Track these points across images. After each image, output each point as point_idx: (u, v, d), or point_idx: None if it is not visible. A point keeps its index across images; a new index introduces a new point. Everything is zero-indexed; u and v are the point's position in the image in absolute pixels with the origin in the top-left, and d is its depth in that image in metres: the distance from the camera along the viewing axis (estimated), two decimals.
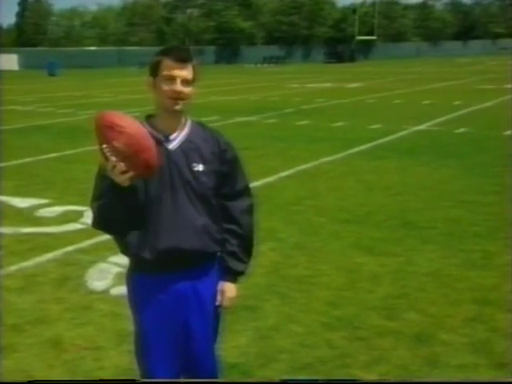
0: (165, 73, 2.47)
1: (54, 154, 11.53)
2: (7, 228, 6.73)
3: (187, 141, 2.59)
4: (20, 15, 79.50)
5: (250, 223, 2.77)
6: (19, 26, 79.38)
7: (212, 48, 72.02)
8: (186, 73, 2.49)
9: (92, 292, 5.02)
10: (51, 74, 44.68)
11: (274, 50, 72.32)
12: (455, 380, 1.69)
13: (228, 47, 72.83)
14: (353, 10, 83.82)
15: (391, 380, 1.78)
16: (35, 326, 4.42)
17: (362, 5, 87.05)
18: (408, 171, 9.66)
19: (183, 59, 2.48)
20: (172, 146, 2.56)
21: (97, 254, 5.84)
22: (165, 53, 2.51)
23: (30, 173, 9.86)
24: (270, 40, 78.17)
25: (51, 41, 74.74)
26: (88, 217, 7.02)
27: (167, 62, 2.47)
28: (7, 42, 72.53)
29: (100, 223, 2.54)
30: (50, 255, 5.88)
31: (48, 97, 25.45)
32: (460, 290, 5.01)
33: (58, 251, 5.99)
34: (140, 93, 22.28)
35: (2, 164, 10.50)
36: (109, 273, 5.40)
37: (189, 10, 75.81)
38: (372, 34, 77.00)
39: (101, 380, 1.78)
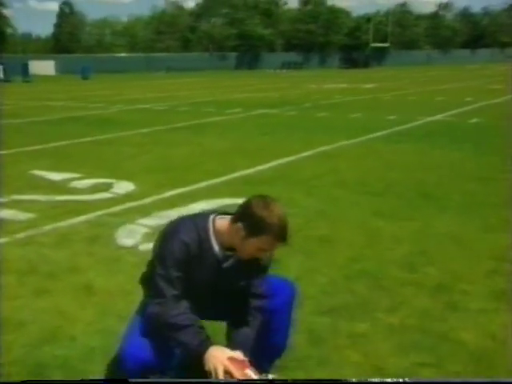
0: (260, 244, 2.39)
1: (85, 139, 11.51)
2: (42, 196, 6.68)
3: (240, 260, 2.53)
4: (57, 26, 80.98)
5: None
6: (56, 36, 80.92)
7: (234, 54, 72.11)
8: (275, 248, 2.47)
9: (121, 247, 4.92)
10: (84, 78, 44.97)
11: (292, 56, 72.25)
12: (455, 380, 1.56)
13: (249, 53, 72.79)
14: (367, 19, 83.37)
15: (391, 380, 1.64)
16: (68, 275, 4.34)
17: (376, 14, 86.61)
18: (424, 153, 9.44)
19: (283, 243, 2.41)
20: (226, 264, 2.53)
21: (126, 217, 5.75)
22: (276, 228, 2.34)
23: (64, 153, 9.83)
24: (289, 47, 78.10)
25: (84, 48, 75.51)
26: (117, 188, 6.96)
27: (270, 239, 2.37)
28: (45, 50, 73.69)
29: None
30: (81, 218, 5.79)
31: (81, 95, 25.56)
32: (478, 249, 4.82)
33: (89, 215, 5.90)
34: (166, 91, 22.37)
35: (37, 147, 10.50)
36: (137, 233, 5.29)
37: (213, 19, 75.95)
38: (385, 42, 76.52)
39: (95, 380, 1.66)
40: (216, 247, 2.50)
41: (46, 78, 45.80)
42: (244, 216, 2.39)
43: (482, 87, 27.38)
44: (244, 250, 2.45)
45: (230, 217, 2.52)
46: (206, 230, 2.50)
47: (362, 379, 1.72)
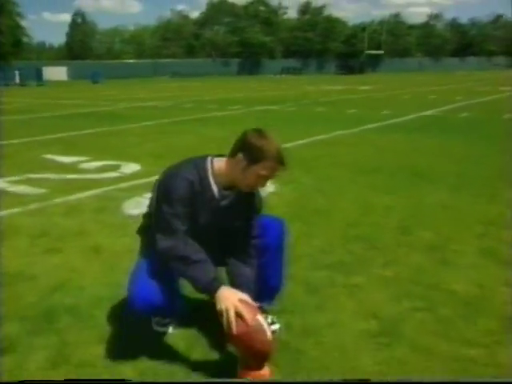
0: (261, 171, 2.37)
1: (94, 130, 11.52)
2: (53, 175, 6.66)
3: (236, 200, 2.53)
4: (69, 35, 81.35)
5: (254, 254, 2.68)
6: (68, 44, 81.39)
7: (236, 60, 72.13)
8: (275, 176, 2.44)
9: (128, 216, 4.89)
10: (95, 82, 45.04)
11: (292, 62, 72.31)
12: (455, 380, 1.53)
13: (250, 59, 72.80)
14: (362, 28, 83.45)
15: (391, 380, 1.61)
16: (77, 237, 4.31)
17: (371, 23, 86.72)
18: (416, 141, 9.41)
19: (283, 169, 2.41)
20: (223, 203, 2.51)
21: (133, 192, 5.73)
22: (275, 153, 2.35)
23: (74, 141, 9.84)
24: (288, 53, 78.09)
25: (95, 56, 75.72)
26: (124, 168, 6.93)
27: (270, 164, 2.35)
28: (58, 58, 73.99)
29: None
30: (90, 192, 5.78)
31: (90, 96, 25.57)
32: (468, 216, 4.80)
33: (97, 190, 5.89)
34: (171, 92, 22.36)
35: (48, 136, 10.49)
36: (144, 204, 5.18)
37: (216, 27, 75.95)
38: (379, 49, 76.56)
39: (95, 380, 1.63)
40: (214, 186, 2.47)
41: (58, 83, 45.87)
42: (243, 147, 2.37)
43: (470, 89, 27.36)
44: (246, 181, 2.42)
45: (226, 157, 2.50)
46: (205, 170, 2.48)
47: (362, 379, 1.68)
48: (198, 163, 2.51)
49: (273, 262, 2.73)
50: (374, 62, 79.56)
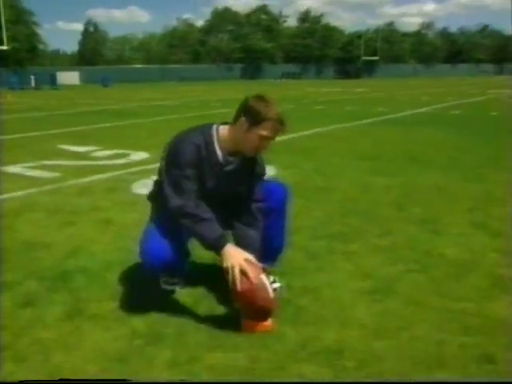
0: (262, 132, 2.36)
1: (105, 124, 11.54)
2: (67, 161, 6.68)
3: (239, 166, 2.53)
4: (82, 43, 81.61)
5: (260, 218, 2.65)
6: (81, 51, 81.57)
7: (239, 65, 72.09)
8: (276, 137, 2.43)
9: (137, 195, 4.89)
10: (105, 85, 45.05)
11: (291, 67, 72.22)
12: (455, 380, 1.53)
13: (252, 65, 72.72)
14: (358, 35, 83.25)
15: (391, 380, 1.61)
16: (89, 213, 4.33)
17: (367, 31, 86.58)
18: (411, 133, 9.41)
19: (284, 130, 2.41)
20: (227, 168, 2.52)
21: (141, 175, 5.74)
22: (274, 115, 2.35)
23: (86, 134, 9.86)
24: (288, 59, 77.95)
25: (106, 62, 75.74)
26: (134, 156, 6.94)
27: (270, 125, 2.35)
28: (71, 64, 74.21)
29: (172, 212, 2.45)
30: (101, 176, 5.79)
31: (101, 96, 25.59)
32: (458, 194, 4.82)
33: (108, 174, 5.91)
34: (179, 93, 22.35)
35: (62, 130, 10.51)
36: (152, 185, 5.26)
37: (220, 35, 75.89)
38: (375, 56, 76.49)
39: (95, 380, 1.64)
40: (219, 152, 2.48)
41: (71, 87, 45.86)
42: (244, 111, 2.38)
43: (461, 92, 27.30)
44: (249, 144, 2.42)
45: (230, 125, 2.51)
46: (211, 136, 2.48)
47: (363, 379, 1.68)
48: (205, 129, 2.52)
49: (276, 224, 2.74)
50: (369, 68, 79.49)
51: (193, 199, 2.41)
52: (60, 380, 1.68)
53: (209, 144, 2.47)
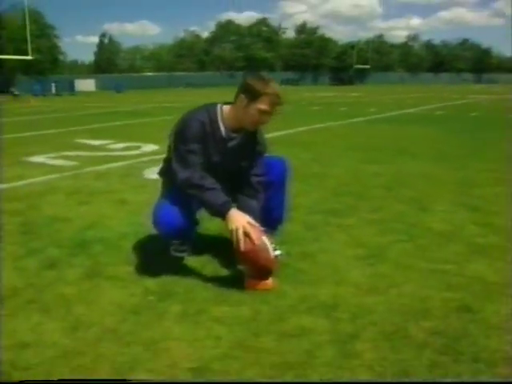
0: (261, 106, 2.36)
1: (118, 122, 11.56)
2: (84, 152, 6.70)
3: (242, 142, 2.54)
4: (97, 53, 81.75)
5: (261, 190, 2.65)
6: (97, 61, 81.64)
7: (241, 73, 71.97)
8: (274, 111, 2.42)
9: (148, 180, 4.92)
10: (118, 91, 45.10)
11: (290, 75, 72.15)
12: (455, 380, 1.55)
13: (253, 72, 72.72)
14: (351, 46, 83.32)
15: (391, 380, 1.63)
16: (105, 194, 4.35)
17: (358, 42, 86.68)
18: (399, 129, 9.44)
19: (281, 103, 2.40)
20: (230, 144, 2.53)
21: (152, 164, 5.74)
22: (270, 89, 2.36)
23: (101, 130, 9.90)
24: (287, 67, 77.99)
25: (119, 70, 75.78)
26: (145, 148, 6.96)
27: (268, 99, 2.36)
28: (88, 72, 74.44)
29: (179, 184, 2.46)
30: (116, 164, 5.82)
31: (115, 100, 25.60)
32: (444, 179, 4.83)
33: (122, 162, 5.93)
34: (186, 96, 22.31)
35: (78, 127, 10.53)
36: None
37: (223, 44, 75.77)
38: (366, 64, 76.52)
39: (95, 380, 1.66)
40: (223, 128, 2.50)
41: (87, 93, 46.00)
42: (244, 89, 2.40)
43: (445, 96, 27.31)
44: (249, 118, 2.43)
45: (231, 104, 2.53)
46: (216, 114, 2.50)
47: (363, 379, 1.70)
48: (209, 108, 2.54)
49: (276, 195, 2.75)
50: (361, 76, 79.53)
51: (198, 171, 2.42)
52: (60, 380, 1.69)
53: (213, 121, 2.49)
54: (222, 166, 2.57)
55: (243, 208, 2.60)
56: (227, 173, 2.62)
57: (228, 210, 2.37)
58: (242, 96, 2.40)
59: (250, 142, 2.58)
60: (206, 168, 2.48)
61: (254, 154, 2.63)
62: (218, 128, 2.49)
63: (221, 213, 2.39)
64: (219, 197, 2.40)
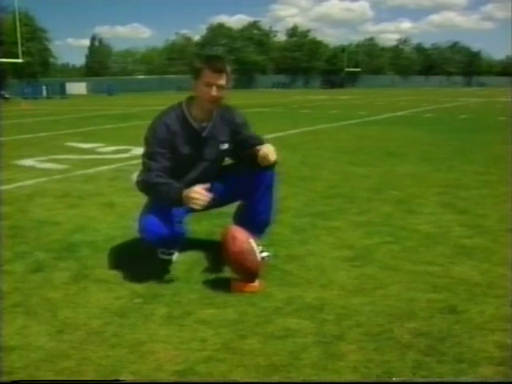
0: (204, 79, 2.41)
1: (109, 126, 11.53)
2: (74, 156, 6.68)
3: (215, 127, 2.57)
4: (89, 56, 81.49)
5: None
6: (88, 64, 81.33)
7: (232, 76, 72.07)
8: (221, 81, 2.43)
9: None
10: (110, 94, 44.92)
11: (281, 78, 72.26)
12: (456, 380, 1.56)
13: (245, 76, 72.55)
14: (342, 49, 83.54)
15: (391, 380, 1.64)
16: (94, 197, 4.34)
17: (349, 45, 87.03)
18: (388, 131, 9.49)
19: (220, 70, 2.42)
20: (204, 133, 2.56)
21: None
22: (205, 62, 2.43)
23: (92, 134, 9.83)
24: (278, 70, 77.98)
25: (111, 74, 75.47)
26: (135, 151, 6.93)
27: (206, 71, 2.41)
28: (79, 75, 74.26)
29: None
30: (105, 167, 5.80)
31: (106, 103, 25.49)
32: (430, 181, 4.86)
33: (111, 165, 5.91)
34: (174, 100, 22.18)
35: (69, 131, 10.48)
36: None
37: (214, 48, 75.67)
38: (357, 68, 76.84)
39: (95, 380, 1.66)
40: (192, 121, 2.53)
41: (79, 96, 45.72)
42: (192, 73, 2.49)
43: (434, 99, 27.48)
44: (202, 97, 2.46)
45: None
46: (182, 111, 2.54)
47: (363, 379, 1.71)
48: (175, 107, 2.60)
49: (264, 198, 2.74)
50: (352, 79, 79.75)
51: (155, 173, 2.39)
52: (60, 380, 1.69)
53: (180, 118, 2.52)
54: (203, 157, 2.59)
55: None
56: (210, 162, 2.62)
57: (181, 189, 2.30)
58: (192, 80, 2.46)
59: (224, 123, 2.61)
60: (186, 166, 2.51)
61: (233, 135, 2.64)
62: (188, 123, 2.53)
63: (178, 196, 2.30)
64: (172, 185, 2.35)
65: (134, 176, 5.02)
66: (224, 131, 2.61)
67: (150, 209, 2.56)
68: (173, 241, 2.58)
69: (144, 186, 2.42)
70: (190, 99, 2.56)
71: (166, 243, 2.62)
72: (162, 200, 2.41)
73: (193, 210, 2.42)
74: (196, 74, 2.44)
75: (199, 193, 2.23)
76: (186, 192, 2.26)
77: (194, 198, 2.22)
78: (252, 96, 35.21)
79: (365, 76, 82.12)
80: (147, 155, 2.45)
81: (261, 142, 2.54)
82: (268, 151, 2.42)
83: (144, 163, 2.45)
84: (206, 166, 2.61)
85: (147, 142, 2.47)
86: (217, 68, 2.41)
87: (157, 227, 2.44)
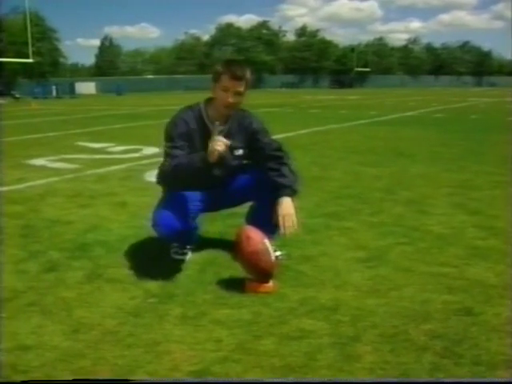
0: (222, 84, 2.43)
1: (119, 125, 11.57)
2: (85, 155, 6.71)
3: (230, 132, 2.56)
4: (98, 56, 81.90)
5: (285, 155, 2.68)
6: (97, 64, 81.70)
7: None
8: (239, 87, 2.45)
9: (149, 182, 4.89)
10: (119, 94, 45.12)
11: (290, 78, 72.20)
12: (456, 380, 1.55)
13: (253, 75, 72.84)
14: (351, 49, 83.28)
15: (391, 380, 1.63)
16: (106, 197, 4.35)
17: (359, 45, 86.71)
18: (399, 132, 9.44)
19: (239, 77, 2.43)
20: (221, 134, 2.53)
21: (152, 166, 5.71)
22: (225, 67, 2.44)
23: (102, 133, 9.89)
24: (287, 70, 77.85)
25: (120, 73, 75.76)
26: (146, 151, 6.97)
27: (225, 76, 2.42)
28: (89, 75, 74.65)
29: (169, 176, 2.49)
30: (116, 167, 5.82)
31: (115, 103, 25.61)
32: (440, 182, 4.85)
33: (122, 165, 5.93)
34: (185, 100, 22.27)
35: (79, 130, 10.53)
36: None
37: (223, 47, 75.79)
38: (366, 67, 76.55)
39: (95, 380, 1.66)
40: (208, 123, 2.53)
41: (88, 96, 46.00)
42: (211, 76, 2.49)
43: (444, 99, 27.32)
44: (219, 101, 2.48)
45: None
46: (199, 111, 2.57)
47: (363, 379, 1.70)
48: (192, 106, 2.62)
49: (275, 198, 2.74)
50: (362, 79, 79.51)
51: (181, 156, 2.42)
52: (59, 380, 1.69)
53: (197, 117, 2.54)
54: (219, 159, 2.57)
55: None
56: (223, 165, 2.59)
57: (204, 153, 2.33)
58: (211, 83, 2.48)
59: (240, 130, 2.61)
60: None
61: (249, 135, 2.64)
62: (204, 123, 2.53)
63: (205, 156, 2.32)
64: (196, 154, 2.40)
65: (146, 175, 5.10)
66: (240, 137, 2.60)
67: (164, 203, 2.58)
68: (186, 235, 2.60)
69: (172, 169, 2.41)
70: (209, 100, 2.57)
71: (179, 237, 2.62)
72: (193, 170, 2.38)
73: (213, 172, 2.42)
74: (215, 77, 2.45)
75: (219, 140, 2.26)
76: (209, 148, 2.28)
77: (216, 145, 2.25)
78: (261, 96, 35.19)
79: (374, 76, 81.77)
80: (169, 146, 2.47)
81: (277, 156, 2.59)
82: (284, 220, 2.47)
83: (166, 153, 2.48)
84: (218, 168, 2.59)
85: (168, 135, 2.50)
86: (236, 75, 2.42)
87: (171, 220, 2.47)
